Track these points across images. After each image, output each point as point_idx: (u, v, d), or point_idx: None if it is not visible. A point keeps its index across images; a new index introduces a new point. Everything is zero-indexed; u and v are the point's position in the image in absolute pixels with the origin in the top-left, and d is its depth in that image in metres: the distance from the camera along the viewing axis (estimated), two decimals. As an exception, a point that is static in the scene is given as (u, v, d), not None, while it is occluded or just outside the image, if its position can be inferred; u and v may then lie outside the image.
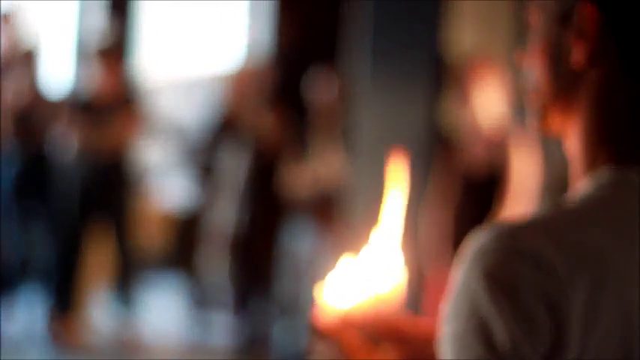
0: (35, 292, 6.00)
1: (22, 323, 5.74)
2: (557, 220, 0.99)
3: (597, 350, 0.95)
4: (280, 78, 6.76)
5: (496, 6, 5.59)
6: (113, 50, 5.63)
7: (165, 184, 7.20)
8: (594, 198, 1.02)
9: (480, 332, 0.94)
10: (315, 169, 5.04)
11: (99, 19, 7.12)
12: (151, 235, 6.65)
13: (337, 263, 1.24)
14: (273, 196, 5.27)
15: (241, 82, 6.20)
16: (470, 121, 4.37)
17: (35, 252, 5.91)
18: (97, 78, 5.63)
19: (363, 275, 1.22)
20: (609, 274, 0.96)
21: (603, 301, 0.95)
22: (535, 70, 1.08)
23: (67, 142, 5.67)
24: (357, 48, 4.27)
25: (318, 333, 1.19)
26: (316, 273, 4.72)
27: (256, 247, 5.47)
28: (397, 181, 1.22)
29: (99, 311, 6.01)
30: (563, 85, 1.06)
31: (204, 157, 6.22)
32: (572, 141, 1.07)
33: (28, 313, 5.81)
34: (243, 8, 8.30)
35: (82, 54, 6.29)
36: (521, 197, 4.27)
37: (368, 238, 1.24)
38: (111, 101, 5.59)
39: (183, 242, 6.38)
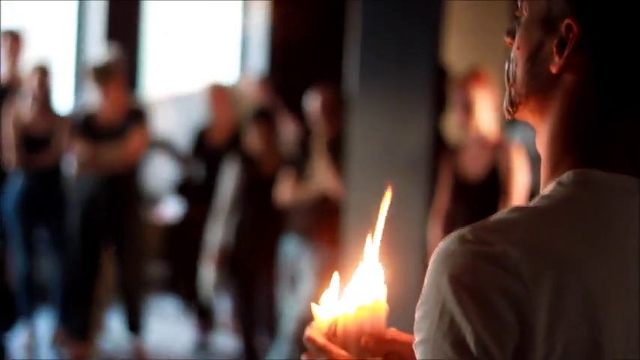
0: (43, 315, 5.97)
1: (30, 347, 5.67)
2: (521, 222, 1.02)
3: (564, 349, 0.97)
4: (276, 92, 6.79)
5: (492, 17, 5.64)
6: (114, 68, 5.64)
7: (164, 201, 7.19)
8: (558, 199, 1.05)
9: (449, 334, 0.97)
10: (313, 184, 5.02)
11: (99, 38, 7.17)
12: (152, 254, 6.61)
13: (332, 280, 1.27)
14: (270, 212, 5.25)
15: (224, 96, 6.24)
16: (473, 131, 4.39)
17: (42, 273, 5.87)
18: (101, 96, 5.63)
19: (352, 290, 1.25)
20: (574, 275, 0.99)
21: (568, 300, 0.98)
22: (515, 62, 1.12)
23: (76, 160, 5.65)
24: (355, 60, 4.29)
25: (312, 349, 1.21)
26: (314, 290, 4.73)
27: (255, 264, 5.44)
28: (388, 202, 1.26)
29: (107, 334, 5.99)
30: (537, 86, 1.10)
31: (198, 172, 6.23)
32: (542, 140, 1.11)
33: (35, 337, 5.72)
34: (239, 26, 8.35)
35: (84, 73, 6.31)
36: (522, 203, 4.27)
37: (361, 254, 1.28)
38: (117, 119, 5.62)
39: (182, 261, 6.33)
